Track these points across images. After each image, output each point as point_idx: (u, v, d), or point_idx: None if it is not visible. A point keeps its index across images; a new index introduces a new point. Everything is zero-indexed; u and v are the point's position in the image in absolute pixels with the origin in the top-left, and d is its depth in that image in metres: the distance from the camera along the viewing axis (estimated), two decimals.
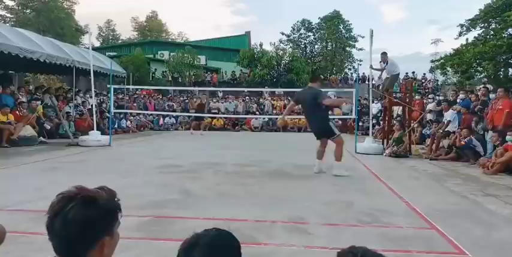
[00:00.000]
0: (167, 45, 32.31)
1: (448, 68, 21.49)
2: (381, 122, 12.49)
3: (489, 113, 8.19)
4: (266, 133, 16.32)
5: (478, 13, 19.43)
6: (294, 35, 34.94)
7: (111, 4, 78.43)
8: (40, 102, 11.65)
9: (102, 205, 1.09)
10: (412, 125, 9.88)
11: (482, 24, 19.57)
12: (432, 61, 24.55)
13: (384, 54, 9.66)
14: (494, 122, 7.83)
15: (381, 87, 11.64)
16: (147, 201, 4.30)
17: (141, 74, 24.30)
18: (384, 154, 8.91)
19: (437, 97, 13.87)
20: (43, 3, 35.11)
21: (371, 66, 9.94)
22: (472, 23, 19.82)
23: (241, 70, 26.12)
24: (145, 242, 3.04)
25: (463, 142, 8.08)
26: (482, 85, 12.30)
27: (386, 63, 9.60)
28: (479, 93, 10.08)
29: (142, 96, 19.88)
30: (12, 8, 35.19)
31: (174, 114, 17.11)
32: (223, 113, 17.54)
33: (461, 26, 20.27)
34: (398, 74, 10.46)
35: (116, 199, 1.16)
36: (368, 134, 10.51)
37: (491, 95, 9.42)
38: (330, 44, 34.88)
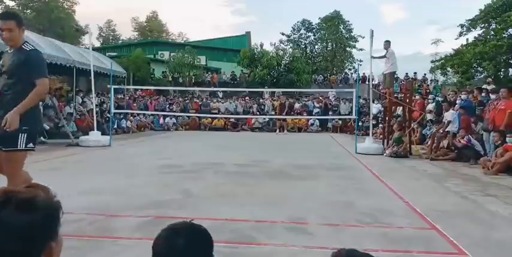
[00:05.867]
0: (167, 45, 32.32)
1: (449, 69, 21.49)
2: (381, 122, 12.52)
3: (490, 113, 8.13)
4: (266, 133, 16.30)
5: (478, 13, 19.44)
6: (294, 35, 35.01)
7: (111, 4, 78.43)
8: (41, 102, 11.65)
9: (42, 206, 0.92)
10: (412, 125, 9.88)
11: (483, 25, 19.57)
12: (432, 61, 24.57)
13: (387, 42, 9.63)
14: (496, 122, 7.80)
15: (380, 87, 11.67)
16: (147, 201, 4.30)
17: (142, 74, 24.31)
18: (384, 154, 8.91)
19: (437, 98, 13.88)
20: (43, 4, 35.13)
21: (372, 57, 9.94)
22: (472, 23, 19.82)
23: (241, 70, 26.12)
24: (146, 242, 3.03)
25: (463, 141, 8.08)
26: (476, 86, 12.36)
27: (387, 52, 9.58)
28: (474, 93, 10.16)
29: (142, 97, 19.91)
30: (12, 8, 35.19)
31: (172, 114, 17.09)
32: (223, 113, 17.55)
33: (462, 26, 20.28)
34: (395, 72, 10.44)
35: (54, 196, 0.98)
36: (368, 134, 10.50)
37: (492, 96, 9.41)
38: (330, 44, 34.96)
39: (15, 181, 3.15)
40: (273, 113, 17.05)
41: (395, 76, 13.62)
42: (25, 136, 3.15)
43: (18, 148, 3.15)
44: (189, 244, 1.07)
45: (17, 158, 3.20)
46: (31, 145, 3.23)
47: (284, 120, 16.13)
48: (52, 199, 0.97)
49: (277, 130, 15.97)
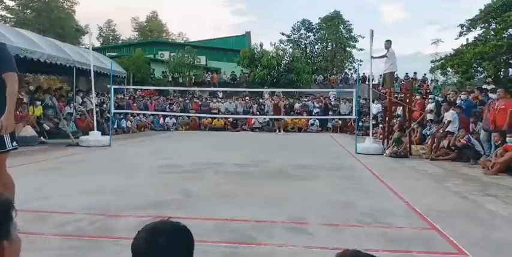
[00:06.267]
0: (167, 45, 32.32)
1: (449, 69, 21.47)
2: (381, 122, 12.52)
3: (490, 113, 8.11)
4: (266, 133, 16.30)
5: (478, 13, 19.42)
6: (294, 35, 35.01)
7: (111, 4, 78.38)
8: (40, 102, 11.67)
9: None
10: (412, 125, 9.88)
11: (483, 25, 19.55)
12: (432, 61, 24.54)
13: (388, 42, 9.58)
14: (497, 122, 7.78)
15: (380, 87, 11.66)
16: (147, 201, 4.30)
17: (142, 74, 24.32)
18: (384, 154, 8.91)
19: (436, 97, 13.88)
20: (43, 4, 35.10)
21: (372, 57, 9.91)
22: (472, 23, 19.80)
23: (241, 70, 26.13)
24: None
25: (463, 141, 8.08)
26: (476, 86, 12.36)
27: (388, 51, 9.53)
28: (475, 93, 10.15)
29: (142, 97, 19.91)
30: (12, 8, 35.17)
31: (172, 113, 17.10)
32: (223, 113, 17.55)
33: (462, 26, 20.25)
34: (395, 72, 10.41)
35: (3, 196, 0.96)
36: (368, 134, 10.50)
37: (493, 95, 9.40)
38: (330, 44, 34.95)
39: (4, 180, 3.26)
40: (273, 113, 17.08)
41: (395, 76, 13.61)
42: (9, 135, 3.17)
43: (7, 149, 3.20)
44: (169, 243, 1.06)
45: (4, 158, 3.27)
46: (15, 143, 3.27)
47: (278, 120, 16.25)
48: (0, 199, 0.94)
49: (277, 130, 16.07)
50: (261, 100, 19.65)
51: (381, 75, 11.82)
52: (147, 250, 1.06)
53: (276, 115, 16.23)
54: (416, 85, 20.86)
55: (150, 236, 1.08)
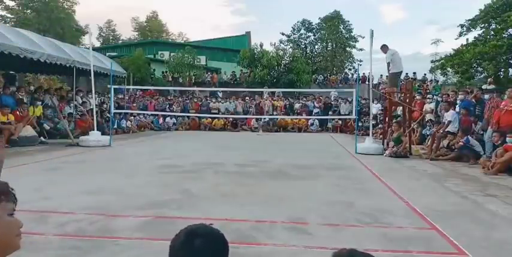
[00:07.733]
0: (167, 45, 32.35)
1: (449, 69, 21.50)
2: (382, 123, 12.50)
3: (492, 113, 8.08)
4: (266, 133, 16.29)
5: (478, 13, 19.46)
6: (294, 35, 35.02)
7: (111, 4, 78.39)
8: (40, 102, 11.67)
9: None
10: (412, 125, 9.88)
11: (483, 25, 19.60)
12: (432, 61, 24.58)
13: (384, 46, 9.51)
14: (501, 122, 7.75)
15: (380, 87, 11.67)
16: (147, 201, 4.30)
17: (142, 74, 24.33)
18: (384, 154, 8.91)
19: (435, 97, 13.87)
20: (43, 4, 35.10)
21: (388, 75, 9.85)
22: (472, 23, 19.85)
23: (241, 70, 26.13)
24: (146, 242, 3.04)
25: (461, 142, 8.08)
26: (476, 86, 12.34)
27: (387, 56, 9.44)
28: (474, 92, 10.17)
29: (142, 97, 19.93)
30: (12, 8, 35.18)
31: (172, 113, 17.10)
32: (223, 113, 17.55)
33: (462, 26, 20.31)
34: (400, 72, 10.33)
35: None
36: (368, 134, 10.50)
37: (486, 96, 9.40)
38: (330, 44, 34.95)
39: None
40: (274, 113, 17.10)
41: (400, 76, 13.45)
42: None
43: None
44: (207, 248, 1.08)
45: None
46: None
47: (259, 120, 16.52)
48: None
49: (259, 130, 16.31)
50: (260, 100, 19.64)
51: (381, 75, 11.83)
52: (183, 251, 1.09)
53: (258, 115, 16.53)
54: (416, 85, 20.88)
55: (189, 238, 1.10)
